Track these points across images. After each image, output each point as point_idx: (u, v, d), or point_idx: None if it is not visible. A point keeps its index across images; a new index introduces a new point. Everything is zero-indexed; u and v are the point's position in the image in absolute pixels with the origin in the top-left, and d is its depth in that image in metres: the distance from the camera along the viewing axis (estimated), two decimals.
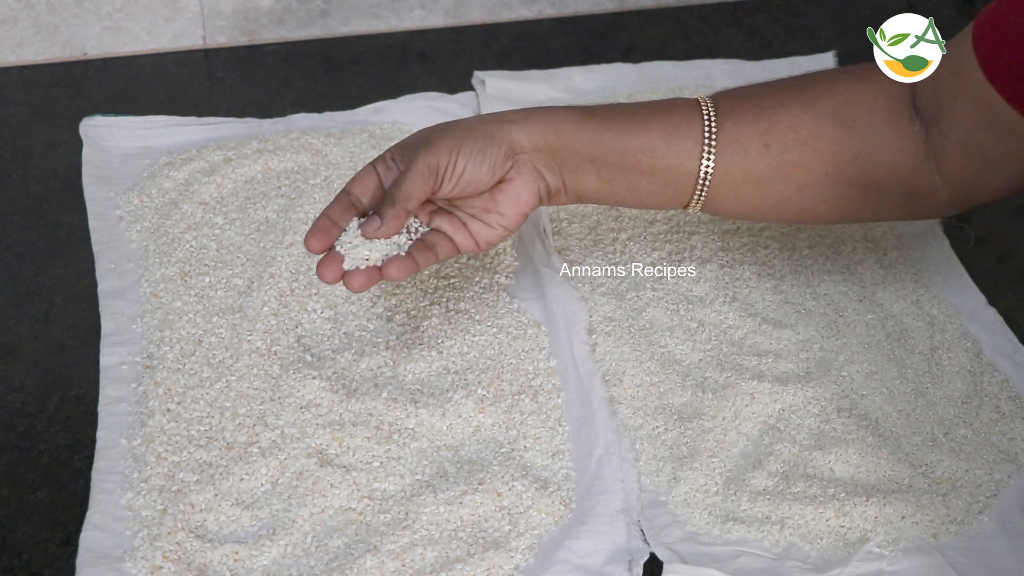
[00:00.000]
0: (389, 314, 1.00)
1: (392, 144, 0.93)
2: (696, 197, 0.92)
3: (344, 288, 1.00)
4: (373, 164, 0.90)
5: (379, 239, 0.87)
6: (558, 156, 0.90)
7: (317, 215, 0.91)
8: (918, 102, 0.92)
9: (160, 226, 1.06)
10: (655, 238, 1.08)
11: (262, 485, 0.87)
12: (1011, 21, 0.86)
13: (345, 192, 0.90)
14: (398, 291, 1.02)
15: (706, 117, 0.90)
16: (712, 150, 0.90)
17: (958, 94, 0.89)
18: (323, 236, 0.88)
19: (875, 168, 0.91)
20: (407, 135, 1.15)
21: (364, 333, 0.98)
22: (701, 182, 0.91)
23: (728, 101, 0.91)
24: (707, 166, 0.90)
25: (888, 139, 0.91)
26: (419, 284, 1.02)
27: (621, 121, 0.90)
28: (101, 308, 0.99)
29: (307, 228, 1.05)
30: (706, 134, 0.90)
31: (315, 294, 1.01)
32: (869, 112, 0.91)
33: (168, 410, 0.91)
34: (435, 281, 1.03)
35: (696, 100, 0.91)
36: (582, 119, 0.90)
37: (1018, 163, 0.90)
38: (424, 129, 0.92)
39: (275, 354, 0.96)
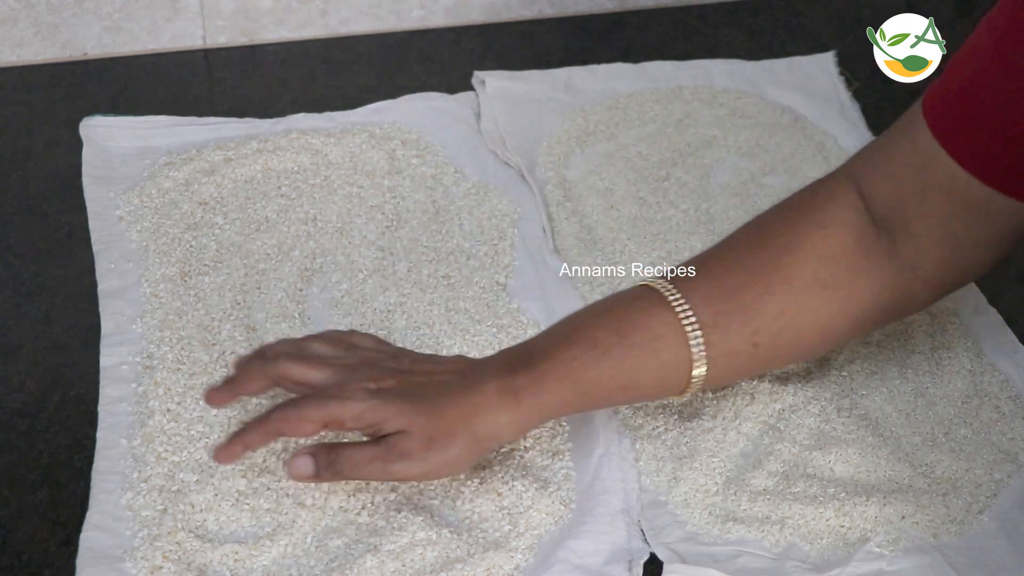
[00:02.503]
0: (389, 313, 1.00)
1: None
2: (682, 394, 0.88)
3: (344, 289, 1.01)
4: (323, 420, 0.81)
5: None
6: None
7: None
8: (877, 210, 0.89)
9: (160, 226, 1.06)
10: (655, 238, 1.08)
11: (262, 485, 0.87)
12: (974, 102, 0.84)
13: (273, 433, 0.82)
14: (398, 291, 1.01)
15: (693, 343, 0.85)
16: (703, 371, 0.86)
17: (927, 188, 0.87)
18: (231, 455, 0.83)
19: (859, 308, 0.89)
20: (407, 135, 1.17)
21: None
22: (690, 391, 0.88)
23: (708, 308, 0.85)
24: (697, 382, 0.87)
25: (864, 276, 0.88)
26: (419, 284, 1.02)
27: (610, 386, 0.85)
28: (101, 308, 0.99)
29: (307, 228, 1.06)
30: (695, 362, 0.85)
31: (314, 298, 1.01)
32: (842, 259, 0.88)
33: (168, 410, 0.91)
34: (435, 281, 1.03)
35: (673, 315, 0.85)
36: (572, 402, 0.85)
37: (998, 241, 0.88)
38: (404, 408, 0.81)
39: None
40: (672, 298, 0.85)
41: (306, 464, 0.82)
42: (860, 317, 0.89)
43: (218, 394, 0.85)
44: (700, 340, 0.85)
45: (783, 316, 0.87)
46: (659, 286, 0.86)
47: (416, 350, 0.96)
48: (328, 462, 0.82)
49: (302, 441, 0.86)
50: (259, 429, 0.82)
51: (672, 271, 0.88)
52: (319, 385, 0.83)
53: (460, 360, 0.87)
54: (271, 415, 0.81)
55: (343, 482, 0.87)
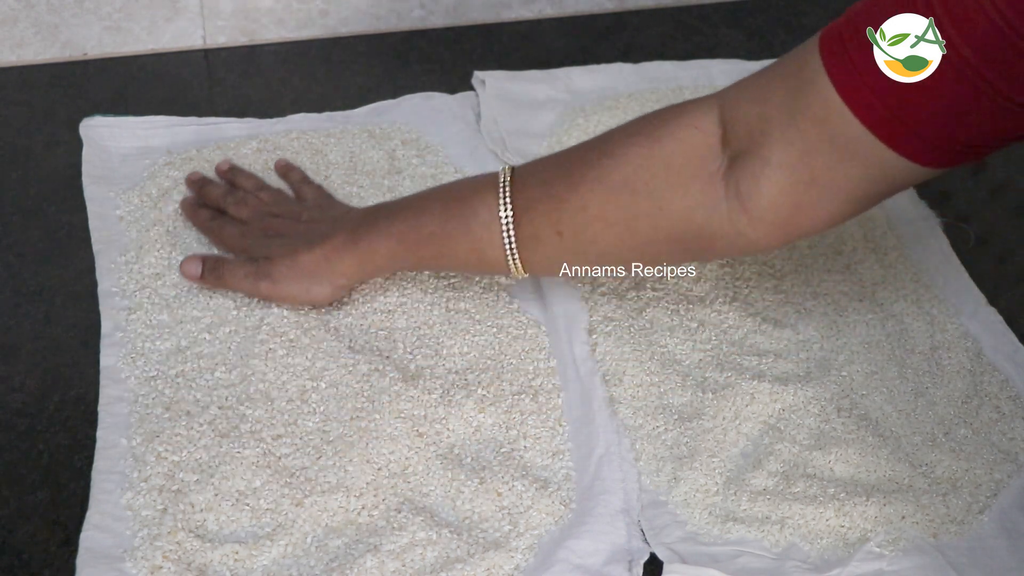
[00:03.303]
0: (390, 313, 1.00)
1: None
2: (508, 273, 0.96)
3: (343, 289, 1.01)
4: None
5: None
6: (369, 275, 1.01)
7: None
8: (729, 134, 0.88)
9: (160, 226, 1.05)
10: None
11: (263, 485, 0.87)
12: (868, 44, 0.82)
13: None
14: (398, 291, 1.01)
15: (504, 220, 0.93)
16: (514, 250, 0.94)
17: (798, 114, 0.85)
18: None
19: (667, 221, 0.90)
20: (407, 135, 1.17)
21: (364, 334, 0.98)
22: (511, 269, 0.96)
23: (524, 192, 0.94)
24: (512, 262, 0.95)
25: (681, 191, 0.89)
26: (419, 284, 1.02)
27: (431, 247, 0.96)
28: (101, 308, 0.99)
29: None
30: (505, 238, 0.94)
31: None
32: (661, 171, 0.90)
33: (168, 409, 0.91)
34: (435, 281, 1.03)
35: (496, 196, 0.94)
36: (400, 255, 0.98)
37: (848, 191, 0.86)
38: (275, 246, 1.00)
39: (275, 355, 0.96)
40: (502, 179, 0.94)
41: (195, 266, 1.01)
42: (668, 230, 0.91)
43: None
44: (511, 222, 0.93)
45: (586, 211, 0.92)
46: (503, 172, 0.95)
47: (416, 350, 0.97)
48: (213, 267, 1.00)
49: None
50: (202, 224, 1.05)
51: (528, 162, 0.97)
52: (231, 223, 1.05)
53: (341, 211, 1.05)
54: (205, 227, 1.05)
55: (341, 480, 0.87)
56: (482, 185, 0.95)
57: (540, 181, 0.94)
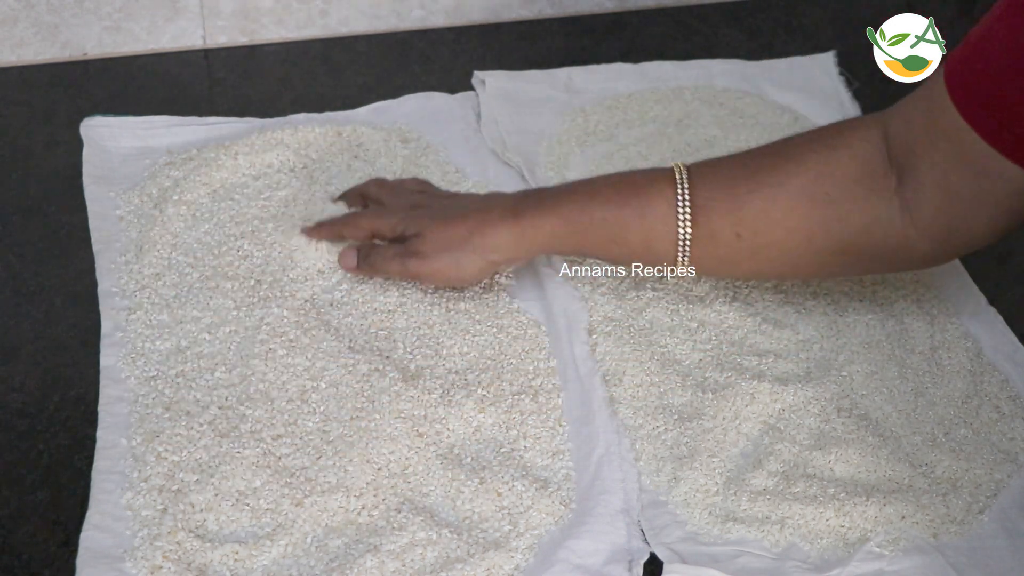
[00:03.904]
0: (390, 313, 1.00)
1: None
2: (675, 271, 0.97)
3: (344, 289, 1.01)
4: (370, 230, 1.02)
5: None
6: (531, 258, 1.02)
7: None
8: (892, 150, 0.92)
9: (160, 226, 1.05)
10: None
11: (263, 485, 0.87)
12: (982, 61, 0.86)
13: (337, 231, 1.04)
14: (398, 291, 1.01)
15: (682, 214, 0.94)
16: (687, 247, 0.94)
17: (934, 133, 0.89)
18: (315, 233, 1.04)
19: (846, 233, 0.93)
20: (407, 135, 1.17)
21: (364, 334, 0.98)
22: (678, 264, 0.96)
23: (703, 191, 0.94)
24: (683, 258, 0.95)
25: (860, 203, 0.92)
26: (419, 284, 1.02)
27: (600, 232, 0.96)
28: (101, 308, 0.99)
29: (308, 227, 1.06)
30: (681, 232, 0.94)
31: (314, 296, 1.01)
32: (841, 181, 0.92)
33: (168, 409, 0.91)
34: None
35: (673, 190, 0.94)
36: (564, 236, 0.97)
37: (994, 207, 0.89)
38: (424, 216, 0.99)
39: (275, 355, 0.96)
40: (679, 176, 0.94)
41: (351, 256, 1.01)
42: (845, 241, 0.93)
43: (315, 230, 1.04)
44: (688, 218, 0.93)
45: (767, 215, 0.93)
46: (677, 168, 0.95)
47: (416, 350, 0.97)
48: (365, 255, 1.01)
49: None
50: (330, 225, 1.03)
51: (702, 161, 0.97)
52: (383, 212, 1.03)
53: (489, 194, 1.05)
54: (340, 221, 1.04)
55: (341, 480, 0.87)
56: (658, 177, 0.95)
57: (721, 180, 0.94)
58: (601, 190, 0.96)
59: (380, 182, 1.08)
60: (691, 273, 0.96)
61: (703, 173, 0.95)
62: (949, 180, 0.89)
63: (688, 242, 0.94)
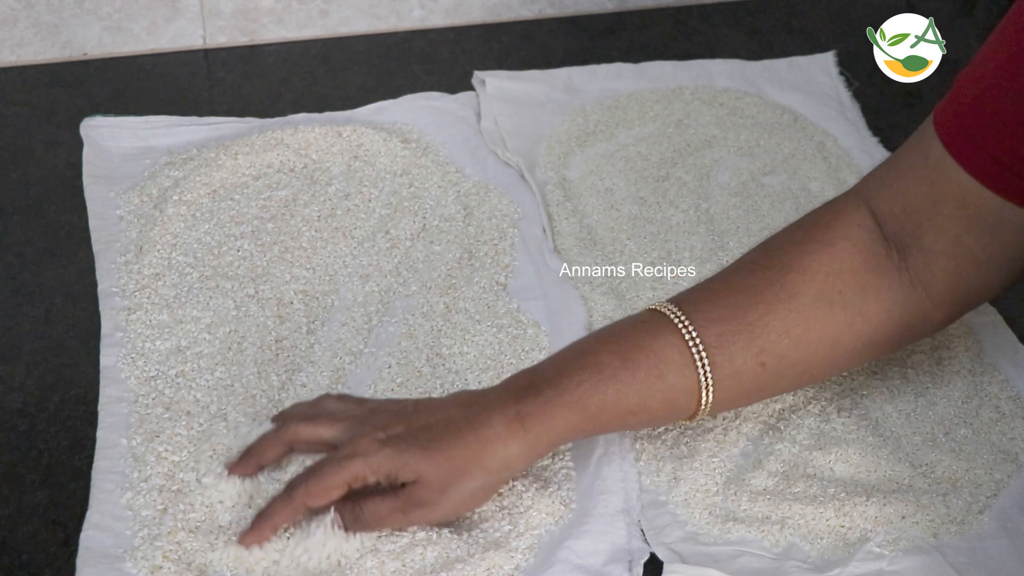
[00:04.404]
0: (389, 314, 1.00)
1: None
2: (692, 418, 0.88)
3: (344, 290, 1.00)
4: (348, 481, 0.82)
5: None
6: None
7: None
8: (888, 230, 0.89)
9: (160, 226, 1.05)
10: (655, 238, 1.08)
11: (263, 485, 0.87)
12: (985, 114, 0.84)
13: (300, 506, 0.83)
14: (398, 290, 1.01)
15: (699, 361, 0.85)
16: (710, 395, 0.86)
17: (939, 201, 0.87)
18: (260, 536, 0.83)
19: (868, 326, 0.88)
20: (407, 135, 1.17)
21: (364, 334, 0.98)
22: (700, 412, 0.88)
23: (713, 327, 0.85)
24: (704, 406, 0.87)
25: (875, 292, 0.88)
26: (419, 283, 1.02)
27: (618, 408, 0.85)
28: (101, 308, 0.99)
29: (307, 228, 1.06)
30: (702, 380, 0.86)
31: (314, 296, 1.01)
32: (850, 277, 0.88)
33: (168, 409, 0.91)
34: (435, 280, 1.03)
35: (680, 338, 0.85)
36: (579, 426, 0.85)
37: (1012, 257, 0.88)
38: (416, 457, 0.81)
39: (275, 354, 0.96)
40: (677, 320, 0.86)
41: (337, 519, 0.82)
42: (869, 335, 0.89)
43: (238, 466, 0.85)
44: (706, 361, 0.85)
45: (788, 334, 0.86)
46: (665, 309, 0.87)
47: (416, 350, 0.97)
48: (353, 517, 0.82)
49: (310, 459, 0.85)
50: (285, 508, 0.82)
51: (680, 296, 0.88)
52: (331, 442, 0.84)
53: (462, 395, 0.87)
54: (294, 491, 0.82)
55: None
56: (656, 327, 0.86)
57: (727, 311, 0.86)
58: (605, 361, 0.85)
59: (326, 397, 0.88)
60: (703, 419, 0.90)
61: (701, 308, 0.86)
62: (961, 243, 0.87)
63: (711, 388, 0.86)
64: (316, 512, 0.82)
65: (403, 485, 0.82)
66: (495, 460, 0.83)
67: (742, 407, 0.93)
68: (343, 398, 0.88)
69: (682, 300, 0.87)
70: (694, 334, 0.85)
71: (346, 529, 0.82)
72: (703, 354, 0.85)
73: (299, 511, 0.82)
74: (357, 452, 0.82)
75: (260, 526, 0.82)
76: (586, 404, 0.84)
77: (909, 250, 0.88)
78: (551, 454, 0.90)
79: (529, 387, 0.84)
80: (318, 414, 0.86)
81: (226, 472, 0.85)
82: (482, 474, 0.83)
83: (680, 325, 0.85)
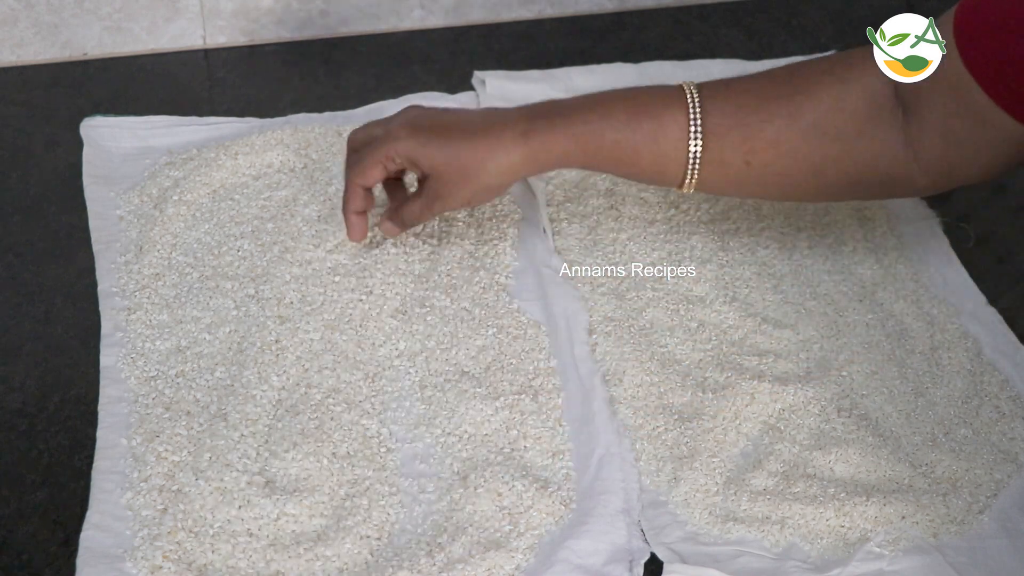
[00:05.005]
0: (389, 314, 1.00)
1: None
2: (679, 190, 0.99)
3: (344, 290, 1.01)
4: (381, 160, 0.98)
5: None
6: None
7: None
8: (900, 88, 0.93)
9: (160, 226, 1.05)
10: (655, 238, 1.08)
11: (263, 485, 0.87)
12: (990, 14, 0.87)
13: (357, 187, 0.99)
14: (398, 290, 1.01)
15: (693, 141, 0.95)
16: (695, 173, 0.96)
17: (936, 81, 0.91)
18: (357, 229, 1.01)
19: (854, 167, 0.95)
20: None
21: (364, 335, 0.98)
22: (685, 185, 0.98)
23: (715, 116, 0.95)
24: (690, 180, 0.97)
25: (868, 139, 0.94)
26: (419, 284, 1.02)
27: (612, 154, 0.97)
28: (101, 308, 0.99)
29: (307, 228, 1.06)
30: (690, 158, 0.96)
31: (314, 296, 1.01)
32: (851, 117, 0.94)
33: (168, 409, 0.91)
34: (435, 280, 1.03)
35: (685, 116, 0.95)
36: (575, 156, 0.97)
37: (992, 152, 0.92)
38: (433, 148, 0.97)
39: (275, 354, 0.96)
40: (690, 100, 0.96)
41: (389, 224, 1.02)
42: (852, 175, 0.96)
43: (353, 227, 1.01)
44: (699, 143, 0.95)
45: (778, 146, 0.95)
46: (687, 88, 0.96)
47: (416, 351, 0.97)
48: (399, 219, 1.02)
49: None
50: (349, 194, 1.00)
51: (707, 83, 0.98)
52: (375, 135, 1.00)
53: (489, 109, 1.02)
54: (348, 178, 1.00)
55: (342, 478, 0.87)
56: (671, 100, 0.96)
57: (732, 107, 0.95)
58: (613, 111, 0.96)
59: (354, 133, 1.04)
60: (690, 192, 0.98)
61: (714, 97, 0.96)
62: (949, 125, 0.91)
63: (698, 167, 0.95)
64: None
65: (423, 181, 0.99)
66: (498, 164, 0.96)
67: (728, 195, 1.05)
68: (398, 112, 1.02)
69: (704, 86, 0.97)
70: (698, 118, 0.95)
71: (398, 229, 1.02)
72: (699, 136, 0.95)
73: (359, 191, 0.99)
74: (390, 137, 0.98)
75: (348, 219, 1.01)
76: (585, 140, 0.96)
77: (910, 114, 0.93)
78: (551, 453, 0.91)
79: (543, 113, 0.97)
80: (369, 123, 1.03)
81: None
82: (486, 175, 0.96)
83: (690, 105, 0.95)
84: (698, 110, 0.95)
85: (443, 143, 0.96)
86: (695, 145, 0.95)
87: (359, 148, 1.00)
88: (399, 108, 1.19)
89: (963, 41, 0.88)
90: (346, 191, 1.00)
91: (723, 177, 0.97)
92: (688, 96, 0.96)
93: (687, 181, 0.97)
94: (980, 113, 0.89)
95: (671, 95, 0.96)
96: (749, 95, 0.96)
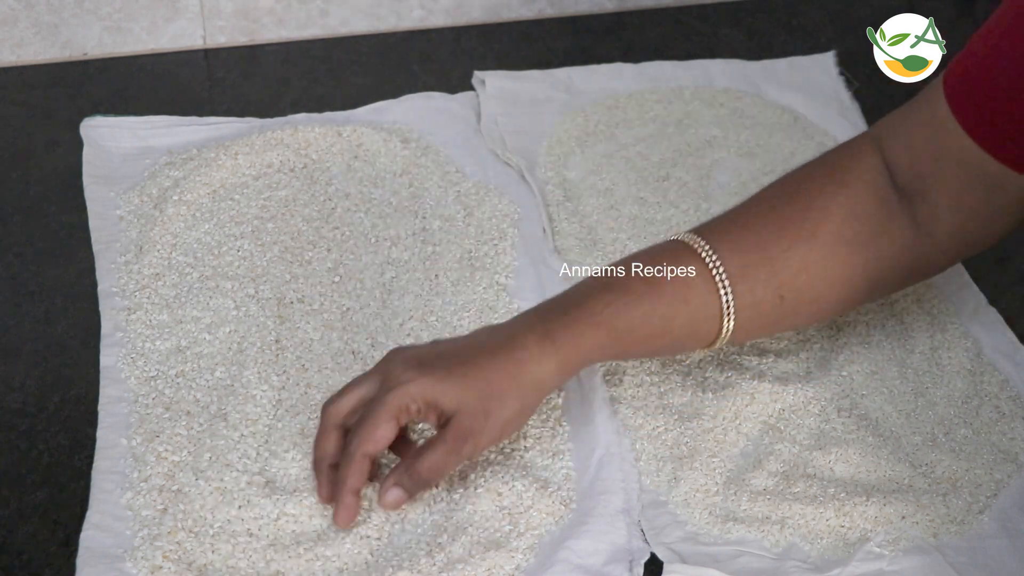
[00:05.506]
0: (390, 315, 1.00)
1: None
2: (712, 346, 0.92)
3: (345, 290, 1.01)
4: (395, 414, 0.83)
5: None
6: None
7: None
8: (898, 179, 0.92)
9: (160, 226, 1.05)
10: (655, 238, 1.08)
11: (263, 485, 0.87)
12: (981, 78, 0.86)
13: (364, 459, 0.83)
14: (397, 291, 1.01)
15: (723, 289, 0.88)
16: (731, 323, 0.89)
17: (942, 159, 0.89)
18: (351, 512, 0.84)
19: (878, 268, 0.92)
20: (407, 135, 1.17)
21: (364, 335, 0.98)
22: (720, 340, 0.91)
23: (735, 258, 0.89)
24: (725, 333, 0.90)
25: (886, 237, 0.91)
26: (419, 283, 1.02)
27: (644, 330, 0.88)
28: (101, 308, 0.99)
29: (307, 228, 1.06)
30: (725, 308, 0.89)
31: (314, 296, 1.01)
32: (865, 220, 0.91)
33: (168, 409, 0.91)
34: (435, 280, 1.03)
35: (703, 266, 0.88)
36: (608, 346, 0.87)
37: (1009, 214, 0.91)
38: (454, 382, 0.83)
39: (275, 354, 0.96)
40: (700, 249, 0.89)
41: (396, 493, 0.84)
42: (879, 277, 0.92)
43: (348, 510, 0.83)
44: (729, 289, 0.88)
45: (806, 271, 0.89)
46: (689, 239, 0.90)
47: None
48: (412, 480, 0.83)
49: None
50: (349, 467, 0.83)
51: (702, 226, 0.91)
52: (369, 394, 0.84)
53: (485, 328, 0.89)
54: (350, 446, 0.83)
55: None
56: (681, 255, 0.89)
57: (749, 244, 0.89)
58: (631, 285, 0.88)
59: (335, 404, 0.86)
60: (722, 347, 0.92)
61: (725, 239, 0.89)
62: (963, 200, 0.90)
63: (733, 316, 0.89)
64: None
65: (444, 424, 0.83)
66: (530, 379, 0.84)
67: (758, 338, 0.96)
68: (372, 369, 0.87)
69: (704, 230, 0.90)
70: (717, 263, 0.88)
71: (410, 495, 0.83)
72: (726, 282, 0.88)
73: (364, 464, 0.82)
74: (396, 383, 0.82)
75: (343, 499, 0.82)
76: (613, 324, 0.86)
77: (916, 200, 0.91)
78: (552, 453, 0.91)
79: (556, 309, 0.87)
80: (348, 386, 0.86)
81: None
82: (519, 395, 0.84)
83: (704, 254, 0.88)
84: (714, 257, 0.88)
85: (464, 373, 0.83)
86: (725, 291, 0.88)
87: (345, 420, 0.85)
88: (399, 108, 1.20)
89: (961, 110, 0.87)
90: (347, 465, 0.82)
91: (757, 319, 0.90)
92: (696, 246, 0.89)
93: (723, 333, 0.89)
94: (992, 180, 0.88)
95: (678, 250, 0.89)
96: (764, 226, 0.90)
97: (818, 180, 0.92)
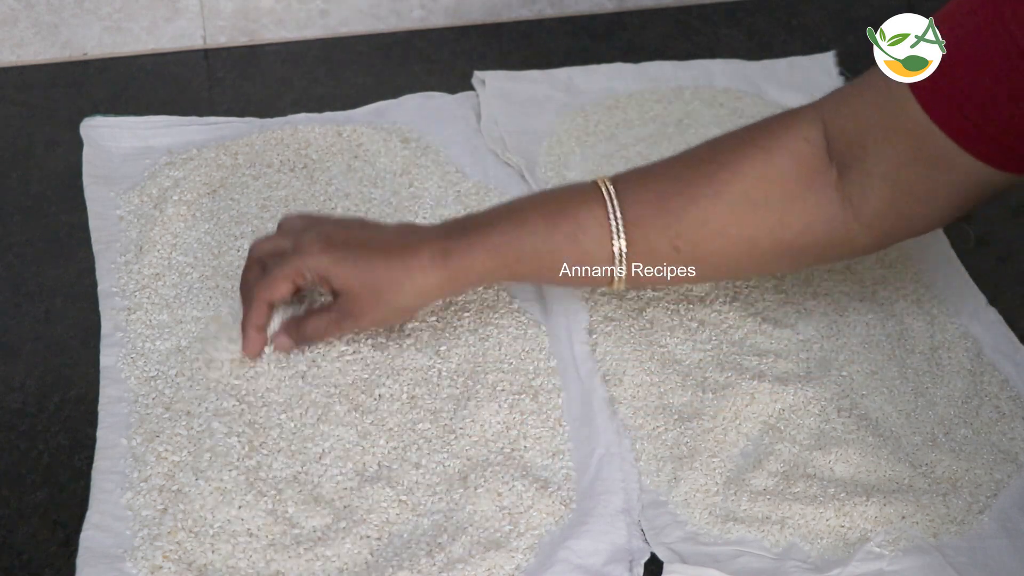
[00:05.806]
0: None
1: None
2: (610, 286, 0.95)
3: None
4: (291, 276, 0.92)
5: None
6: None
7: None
8: (833, 145, 0.91)
9: (160, 226, 1.05)
10: None
11: (263, 485, 0.87)
12: (949, 55, 0.85)
13: (263, 303, 0.93)
14: None
15: (616, 235, 0.92)
16: (622, 267, 0.92)
17: (890, 129, 0.89)
18: (255, 344, 0.94)
19: (788, 233, 0.92)
20: (407, 135, 1.17)
21: (363, 334, 0.98)
22: (615, 283, 0.94)
23: (635, 207, 0.92)
24: (620, 277, 0.93)
25: (799, 203, 0.92)
26: None
27: (532, 263, 0.93)
28: (101, 308, 0.99)
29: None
30: (617, 253, 0.92)
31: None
32: (780, 184, 0.91)
33: (168, 409, 0.91)
34: None
35: (604, 210, 0.92)
36: (496, 270, 0.93)
37: (947, 197, 0.90)
38: (347, 267, 0.91)
39: (275, 354, 0.96)
40: (606, 194, 0.92)
41: (283, 340, 0.94)
42: (788, 242, 0.92)
43: (252, 342, 0.94)
44: (622, 234, 0.91)
45: (706, 226, 0.92)
46: (601, 183, 0.93)
47: (416, 350, 0.97)
48: (299, 333, 0.94)
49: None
50: (253, 308, 0.93)
51: (621, 174, 0.94)
52: (282, 248, 0.93)
53: (406, 225, 0.97)
54: (253, 291, 0.93)
55: (341, 479, 0.87)
56: (586, 197, 0.93)
57: (653, 194, 0.92)
58: (529, 217, 0.93)
59: (259, 243, 0.96)
60: (624, 289, 0.96)
61: (631, 187, 0.93)
62: (901, 173, 0.89)
63: (624, 261, 0.92)
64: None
65: (335, 298, 0.93)
66: (414, 286, 0.92)
67: (661, 286, 1.00)
68: (303, 215, 0.98)
69: (619, 178, 0.94)
70: (616, 210, 0.91)
71: (296, 344, 0.94)
72: (620, 228, 0.91)
73: (263, 308, 0.93)
74: (299, 251, 0.92)
75: (248, 334, 0.93)
76: (504, 252, 0.92)
77: (849, 170, 0.91)
78: (552, 453, 0.91)
79: (459, 228, 0.93)
80: (279, 229, 0.96)
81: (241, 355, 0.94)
82: (400, 296, 0.92)
83: (607, 198, 0.92)
84: (615, 203, 0.91)
85: (358, 261, 0.91)
86: (618, 239, 0.91)
87: (264, 259, 0.94)
88: (399, 108, 1.20)
89: (923, 91, 0.87)
90: (249, 304, 0.93)
91: (652, 265, 0.93)
92: (604, 190, 0.92)
93: (617, 278, 0.93)
94: (938, 157, 0.87)
95: (586, 192, 0.93)
96: (668, 180, 0.93)
97: (739, 143, 0.94)
